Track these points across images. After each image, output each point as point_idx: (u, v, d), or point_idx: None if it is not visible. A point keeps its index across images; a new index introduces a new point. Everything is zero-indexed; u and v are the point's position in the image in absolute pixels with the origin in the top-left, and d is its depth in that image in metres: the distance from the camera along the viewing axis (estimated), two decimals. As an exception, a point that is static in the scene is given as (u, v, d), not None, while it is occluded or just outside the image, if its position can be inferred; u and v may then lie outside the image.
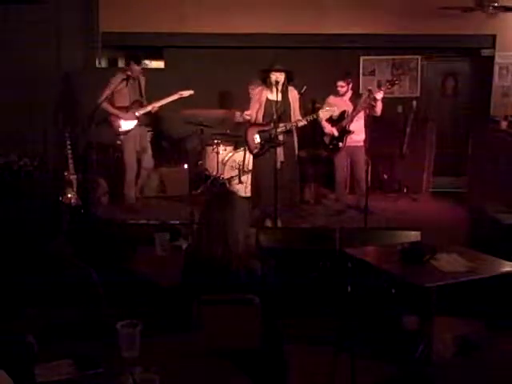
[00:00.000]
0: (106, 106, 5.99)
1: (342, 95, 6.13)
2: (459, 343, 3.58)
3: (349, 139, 6.03)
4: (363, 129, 6.01)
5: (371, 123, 5.84)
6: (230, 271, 2.65)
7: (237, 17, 7.33)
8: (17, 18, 7.02)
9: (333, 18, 7.35)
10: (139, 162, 6.27)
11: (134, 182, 6.28)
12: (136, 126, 6.12)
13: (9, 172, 6.30)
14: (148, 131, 6.59)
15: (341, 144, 6.09)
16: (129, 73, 5.97)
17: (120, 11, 7.27)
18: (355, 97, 6.12)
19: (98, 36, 7.35)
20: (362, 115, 5.99)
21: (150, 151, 6.36)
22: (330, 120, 6.09)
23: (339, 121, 6.09)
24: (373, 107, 5.85)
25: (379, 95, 5.81)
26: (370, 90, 5.91)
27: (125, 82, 5.94)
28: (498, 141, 6.43)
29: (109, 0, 7.35)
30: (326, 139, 6.21)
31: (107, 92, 5.94)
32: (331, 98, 6.17)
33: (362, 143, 5.97)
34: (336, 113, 5.68)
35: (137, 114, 6.08)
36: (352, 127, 6.04)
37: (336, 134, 6.10)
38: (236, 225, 2.72)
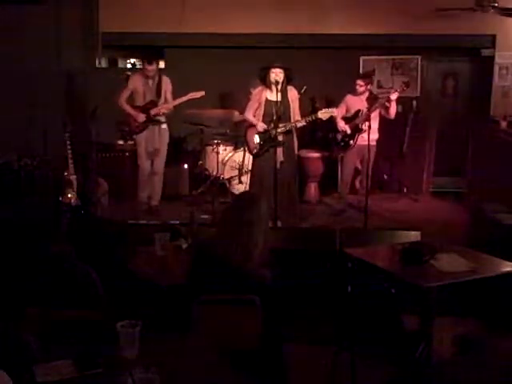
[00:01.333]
0: (124, 105, 6.05)
1: (360, 94, 6.16)
2: (459, 343, 3.58)
3: (360, 138, 6.04)
4: (377, 128, 6.12)
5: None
6: (241, 274, 2.65)
7: (237, 17, 7.32)
8: (17, 18, 7.01)
9: (333, 18, 7.34)
10: (152, 163, 6.23)
11: (145, 183, 6.26)
12: (149, 126, 6.09)
13: (9, 172, 6.30)
14: None
15: (351, 142, 6.13)
16: (146, 73, 6.03)
17: (120, 11, 7.26)
18: (372, 97, 6.15)
19: (97, 36, 7.34)
20: (377, 115, 6.08)
21: (163, 154, 6.23)
22: (345, 118, 6.17)
23: (353, 119, 6.14)
24: (387, 108, 5.97)
25: (394, 96, 5.90)
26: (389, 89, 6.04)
27: (141, 82, 6.03)
28: (498, 141, 6.42)
29: (109, 0, 7.35)
30: (339, 136, 6.24)
31: (125, 92, 6.04)
32: (349, 97, 6.24)
33: (374, 142, 6.06)
34: (335, 113, 5.69)
35: (152, 113, 6.06)
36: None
37: (349, 131, 6.12)
38: (258, 228, 2.71)
